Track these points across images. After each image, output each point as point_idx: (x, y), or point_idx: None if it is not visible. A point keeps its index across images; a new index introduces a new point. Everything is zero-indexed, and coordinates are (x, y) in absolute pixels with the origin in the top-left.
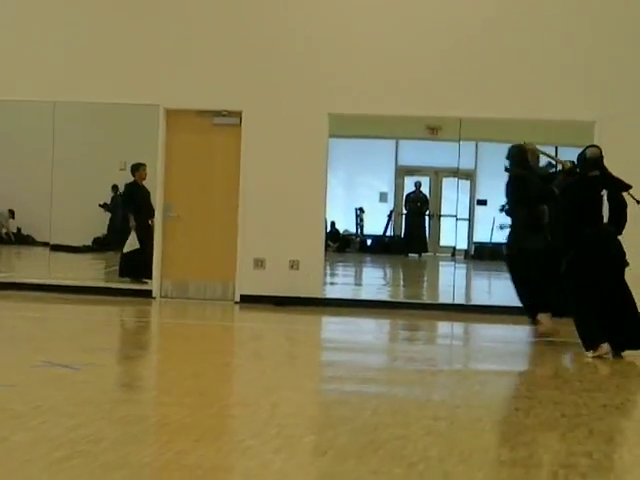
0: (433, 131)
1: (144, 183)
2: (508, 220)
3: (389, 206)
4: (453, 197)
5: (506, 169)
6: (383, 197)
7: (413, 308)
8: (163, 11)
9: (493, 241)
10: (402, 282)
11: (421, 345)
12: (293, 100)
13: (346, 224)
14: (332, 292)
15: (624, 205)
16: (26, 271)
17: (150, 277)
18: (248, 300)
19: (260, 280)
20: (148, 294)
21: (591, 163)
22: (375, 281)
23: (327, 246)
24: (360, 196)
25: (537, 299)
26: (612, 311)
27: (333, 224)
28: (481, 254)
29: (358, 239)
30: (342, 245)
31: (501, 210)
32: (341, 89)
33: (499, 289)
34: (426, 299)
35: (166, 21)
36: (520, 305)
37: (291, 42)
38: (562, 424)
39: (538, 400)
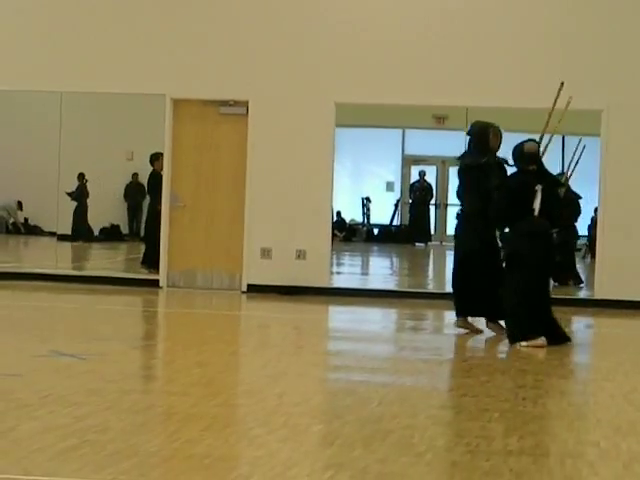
0: (440, 120)
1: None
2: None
3: (396, 195)
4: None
5: (463, 156)
6: (390, 186)
7: (419, 297)
8: (169, 2)
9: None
10: (408, 271)
11: (428, 335)
12: (299, 89)
13: (353, 213)
14: (339, 281)
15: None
16: (33, 261)
17: None
18: (255, 289)
19: (267, 269)
20: (155, 284)
21: (528, 157)
22: (382, 270)
23: (334, 235)
24: (367, 185)
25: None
26: (545, 305)
27: (339, 213)
28: None
29: (365, 228)
30: (349, 234)
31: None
32: (347, 79)
33: None
34: (432, 288)
35: (172, 11)
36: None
37: (298, 31)
38: (569, 413)
39: (545, 389)
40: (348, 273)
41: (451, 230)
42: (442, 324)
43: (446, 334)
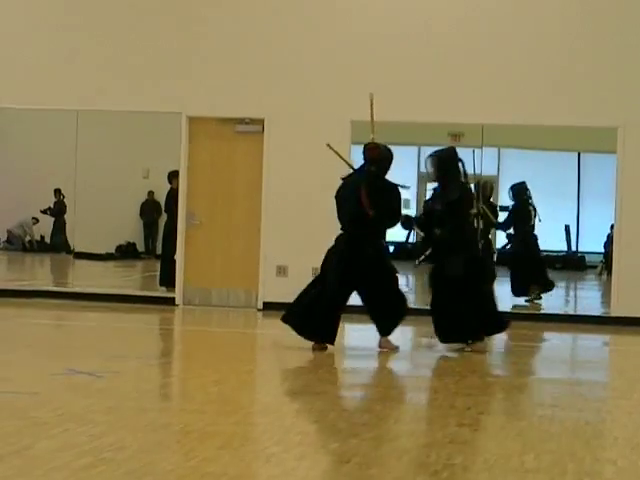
0: (455, 137)
1: None
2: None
3: (412, 213)
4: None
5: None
6: (406, 204)
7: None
8: (185, 20)
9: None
10: (424, 288)
11: (443, 352)
12: (315, 107)
13: None
14: (354, 299)
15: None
16: (49, 279)
17: None
18: (271, 307)
19: (283, 287)
20: (171, 301)
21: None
22: None
23: None
24: None
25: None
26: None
27: None
28: (503, 260)
29: None
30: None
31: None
32: (363, 96)
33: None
34: None
35: (188, 29)
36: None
37: (313, 50)
38: (586, 431)
39: (562, 407)
40: None
41: None
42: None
43: (462, 352)
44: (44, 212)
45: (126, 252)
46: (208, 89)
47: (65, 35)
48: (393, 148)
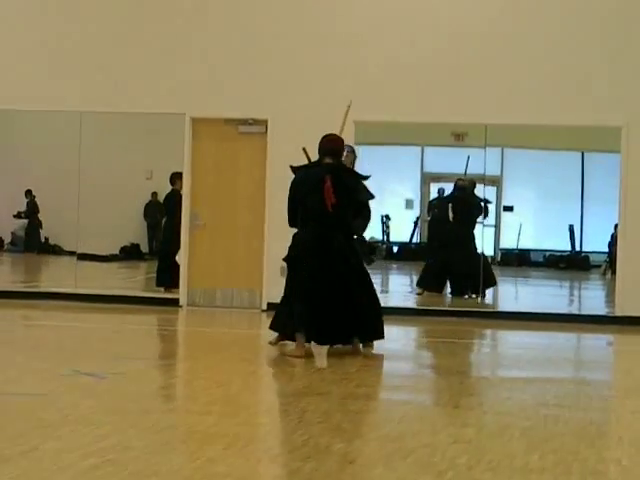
0: (459, 137)
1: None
2: None
3: (415, 213)
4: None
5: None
6: (409, 204)
7: (440, 315)
8: (188, 20)
9: (520, 247)
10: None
11: (448, 352)
12: (319, 108)
13: (372, 231)
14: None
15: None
16: (53, 280)
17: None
18: (275, 308)
19: None
20: (175, 302)
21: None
22: (402, 288)
23: None
24: (386, 203)
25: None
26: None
27: None
28: (508, 260)
29: (384, 246)
30: (368, 252)
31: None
32: (366, 97)
33: (526, 295)
34: (452, 306)
35: (191, 30)
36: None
37: (316, 50)
38: (590, 431)
39: (567, 407)
40: None
41: None
42: (463, 341)
43: (467, 351)
44: (18, 216)
45: (130, 253)
46: (211, 90)
47: (68, 37)
48: (396, 148)
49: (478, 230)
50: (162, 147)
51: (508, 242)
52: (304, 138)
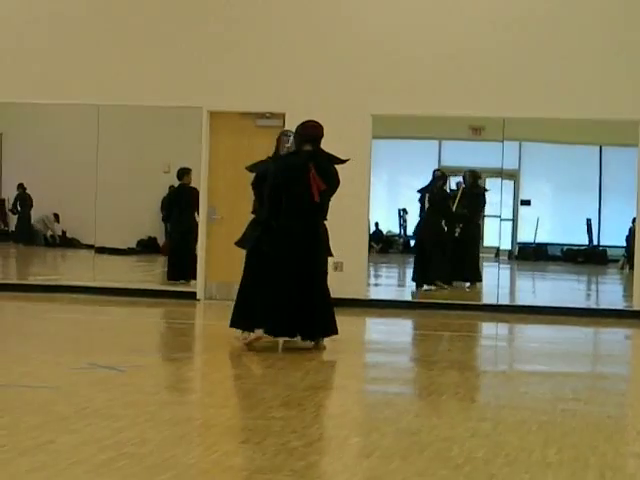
0: (476, 131)
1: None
2: None
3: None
4: (497, 197)
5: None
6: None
7: (456, 309)
8: (206, 14)
9: (537, 241)
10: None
11: (465, 346)
12: (336, 102)
13: (389, 225)
14: (376, 293)
15: None
16: (71, 274)
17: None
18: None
19: None
20: (192, 296)
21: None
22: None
23: (370, 247)
24: (403, 197)
25: None
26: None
27: (377, 225)
28: (525, 254)
29: (401, 240)
30: (385, 246)
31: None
32: (384, 90)
33: (543, 289)
34: (470, 300)
35: (209, 24)
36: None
37: (334, 44)
38: (608, 425)
39: (584, 402)
40: (385, 285)
41: (488, 242)
42: (478, 335)
43: (484, 345)
44: (12, 210)
45: (147, 247)
46: (229, 84)
47: (86, 29)
48: (414, 142)
49: (495, 224)
50: (179, 141)
51: (525, 236)
52: None
